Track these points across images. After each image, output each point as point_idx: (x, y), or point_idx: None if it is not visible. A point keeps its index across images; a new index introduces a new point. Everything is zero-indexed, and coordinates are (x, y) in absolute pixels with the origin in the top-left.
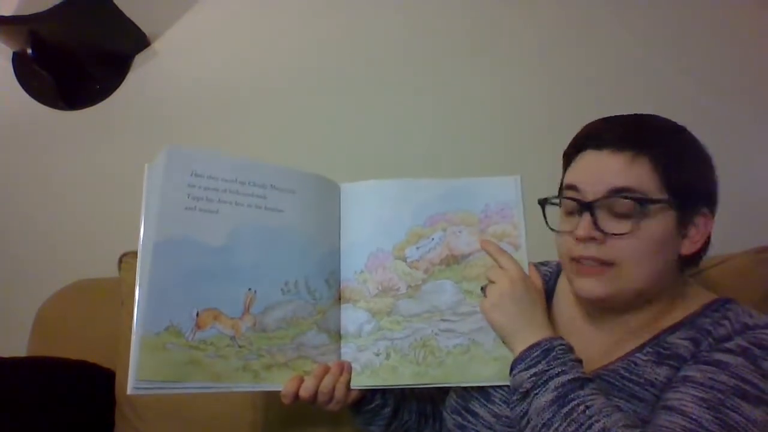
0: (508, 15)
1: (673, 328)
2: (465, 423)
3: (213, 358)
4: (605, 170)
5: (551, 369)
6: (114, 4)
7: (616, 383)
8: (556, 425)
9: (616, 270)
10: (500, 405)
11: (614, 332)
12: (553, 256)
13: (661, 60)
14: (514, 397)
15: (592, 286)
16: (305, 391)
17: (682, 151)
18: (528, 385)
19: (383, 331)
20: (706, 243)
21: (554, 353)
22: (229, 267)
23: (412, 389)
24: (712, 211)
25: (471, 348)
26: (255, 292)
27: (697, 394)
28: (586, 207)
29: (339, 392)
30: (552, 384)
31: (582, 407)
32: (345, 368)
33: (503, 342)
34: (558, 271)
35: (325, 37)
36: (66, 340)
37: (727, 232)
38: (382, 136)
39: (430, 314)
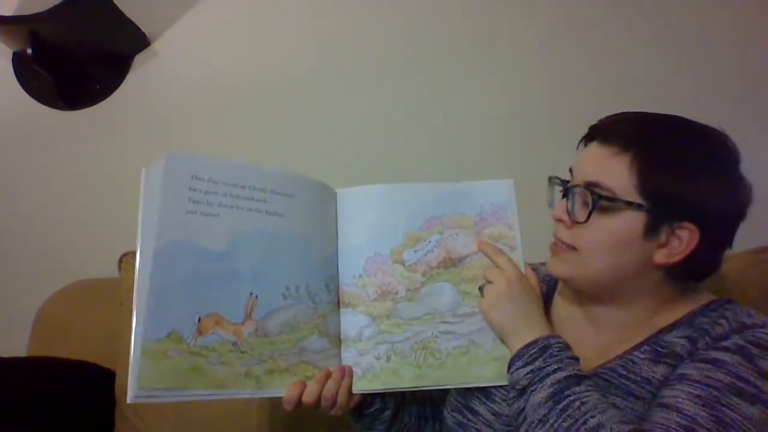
0: (508, 15)
1: (670, 327)
2: (465, 421)
3: (215, 365)
4: (587, 161)
5: (548, 366)
6: (114, 4)
7: (614, 381)
8: (551, 421)
9: (577, 254)
10: (500, 403)
11: (612, 331)
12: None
13: (661, 60)
14: (511, 394)
15: (556, 264)
16: (308, 397)
17: (676, 160)
18: (525, 382)
19: (383, 334)
20: (697, 259)
21: (551, 351)
22: (230, 271)
23: (412, 391)
24: (703, 228)
25: (471, 349)
26: (257, 296)
27: (693, 391)
28: (565, 191)
29: (341, 397)
30: (548, 381)
31: (577, 403)
32: (347, 373)
33: (502, 341)
34: None
35: (325, 37)
36: (66, 340)
37: None
38: (381, 135)
39: (430, 316)
